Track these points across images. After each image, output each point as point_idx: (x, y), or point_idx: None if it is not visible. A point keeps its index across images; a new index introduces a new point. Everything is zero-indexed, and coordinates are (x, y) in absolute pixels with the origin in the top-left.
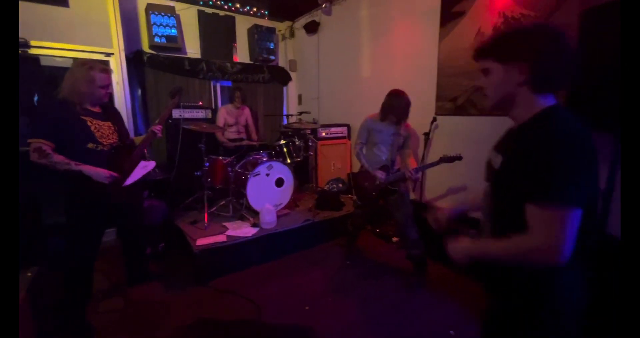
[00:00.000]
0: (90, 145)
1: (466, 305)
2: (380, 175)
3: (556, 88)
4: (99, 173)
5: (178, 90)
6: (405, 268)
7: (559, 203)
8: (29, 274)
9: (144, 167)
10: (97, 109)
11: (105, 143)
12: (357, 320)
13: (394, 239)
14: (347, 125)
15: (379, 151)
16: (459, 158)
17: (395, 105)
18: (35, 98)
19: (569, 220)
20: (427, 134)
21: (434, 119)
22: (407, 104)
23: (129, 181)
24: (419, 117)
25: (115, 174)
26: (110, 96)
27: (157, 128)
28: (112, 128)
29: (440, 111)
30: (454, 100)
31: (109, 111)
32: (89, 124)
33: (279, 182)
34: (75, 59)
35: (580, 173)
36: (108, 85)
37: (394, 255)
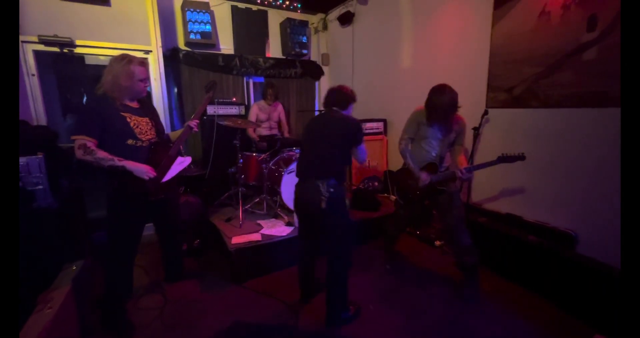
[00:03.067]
0: (129, 142)
1: (526, 320)
2: (424, 177)
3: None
4: (140, 169)
5: (212, 85)
6: (454, 277)
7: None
8: (74, 268)
9: (181, 163)
10: (135, 104)
11: (144, 139)
12: (403, 334)
13: (437, 243)
14: (384, 120)
15: (429, 146)
16: (522, 158)
17: (437, 103)
18: (85, 98)
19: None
20: (476, 129)
21: (485, 112)
22: (451, 100)
23: (167, 177)
24: (467, 110)
25: (154, 170)
26: (148, 92)
27: (193, 123)
28: (150, 124)
29: (492, 103)
30: (509, 91)
31: (145, 106)
32: (128, 120)
33: None
34: None
35: None
36: (146, 78)
37: (439, 261)
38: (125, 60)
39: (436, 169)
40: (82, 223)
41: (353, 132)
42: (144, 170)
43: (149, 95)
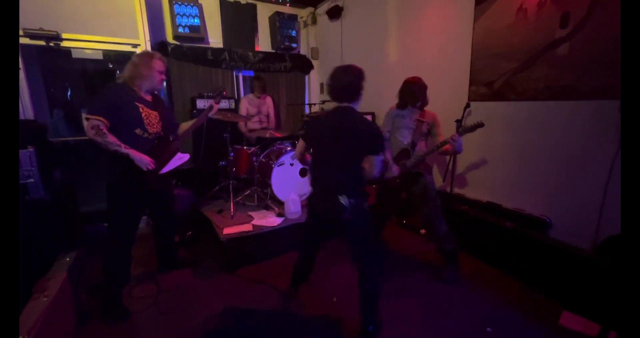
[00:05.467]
0: (137, 131)
1: (503, 300)
2: (395, 169)
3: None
4: (142, 159)
5: (220, 92)
6: (436, 262)
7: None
8: (68, 259)
9: (180, 159)
10: (149, 98)
11: (150, 131)
12: (388, 314)
13: (422, 231)
14: (372, 113)
15: (401, 136)
16: (481, 125)
17: (407, 91)
18: (69, 93)
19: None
20: (459, 121)
21: (467, 105)
22: (420, 88)
23: (164, 170)
24: (451, 103)
25: (155, 162)
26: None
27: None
28: (158, 117)
29: (474, 97)
30: (489, 85)
31: (157, 101)
32: (140, 110)
33: (303, 172)
34: (103, 51)
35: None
36: (164, 71)
37: (423, 248)
38: (147, 54)
39: (409, 154)
40: (75, 215)
41: (374, 141)
42: (145, 161)
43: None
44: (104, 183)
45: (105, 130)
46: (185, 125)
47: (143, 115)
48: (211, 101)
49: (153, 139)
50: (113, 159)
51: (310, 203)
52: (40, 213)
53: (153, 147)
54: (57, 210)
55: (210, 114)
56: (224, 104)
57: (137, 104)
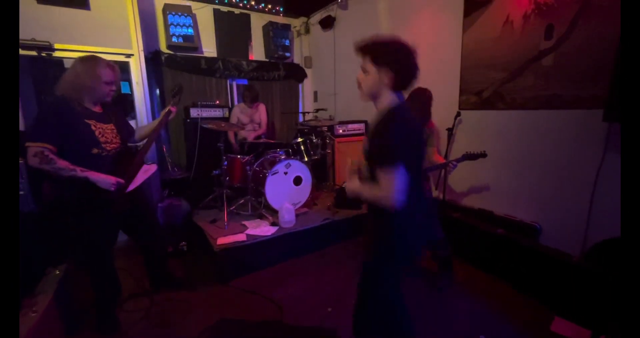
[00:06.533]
0: (94, 151)
1: (496, 307)
2: None
3: (404, 89)
4: (106, 180)
5: (179, 90)
6: (430, 269)
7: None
8: (57, 272)
9: (146, 171)
10: (97, 109)
11: (109, 148)
12: None
13: None
14: (365, 122)
15: None
16: (484, 155)
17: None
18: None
19: (397, 177)
20: (450, 130)
21: (458, 114)
22: (428, 98)
23: (132, 187)
24: (442, 112)
25: (121, 181)
26: (125, 95)
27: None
28: (115, 131)
29: (464, 105)
30: (479, 94)
31: (109, 111)
32: (93, 128)
33: (297, 181)
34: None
35: (406, 147)
36: (113, 82)
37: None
38: (90, 61)
39: None
40: (65, 227)
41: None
42: (110, 182)
43: (124, 98)
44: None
45: (52, 156)
46: (143, 131)
47: (97, 133)
48: (169, 106)
49: (113, 155)
50: (69, 185)
51: (412, 241)
52: (30, 226)
53: (115, 164)
54: (47, 223)
55: (170, 117)
56: (217, 112)
57: (86, 121)
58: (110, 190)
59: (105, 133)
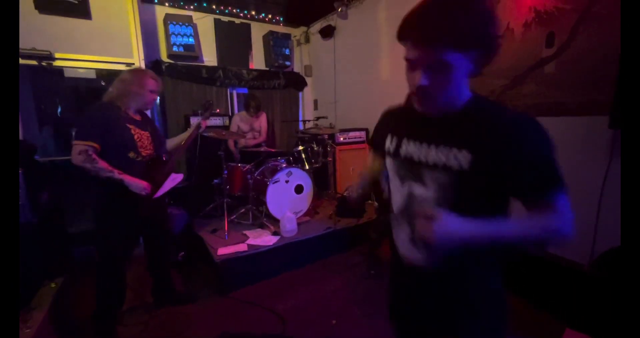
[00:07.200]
0: (131, 155)
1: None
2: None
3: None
4: (138, 184)
5: (209, 106)
6: None
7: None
8: (53, 285)
9: (174, 180)
10: (138, 117)
11: (144, 154)
12: (385, 335)
13: None
14: (366, 129)
15: None
16: None
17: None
18: (59, 109)
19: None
20: None
21: None
22: None
23: (159, 193)
24: None
25: (151, 186)
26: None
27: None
28: (150, 138)
29: None
30: None
31: (146, 120)
32: (132, 132)
33: (299, 189)
34: (96, 70)
35: None
36: (156, 91)
37: None
38: (139, 71)
39: None
40: (63, 238)
41: None
42: (142, 186)
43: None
44: (92, 208)
45: (95, 156)
46: (173, 142)
47: (135, 137)
48: (199, 119)
49: (146, 161)
50: (104, 185)
51: None
52: (27, 237)
53: (147, 169)
54: (44, 234)
55: (201, 131)
56: (217, 121)
57: (128, 125)
58: (140, 194)
59: (142, 139)
